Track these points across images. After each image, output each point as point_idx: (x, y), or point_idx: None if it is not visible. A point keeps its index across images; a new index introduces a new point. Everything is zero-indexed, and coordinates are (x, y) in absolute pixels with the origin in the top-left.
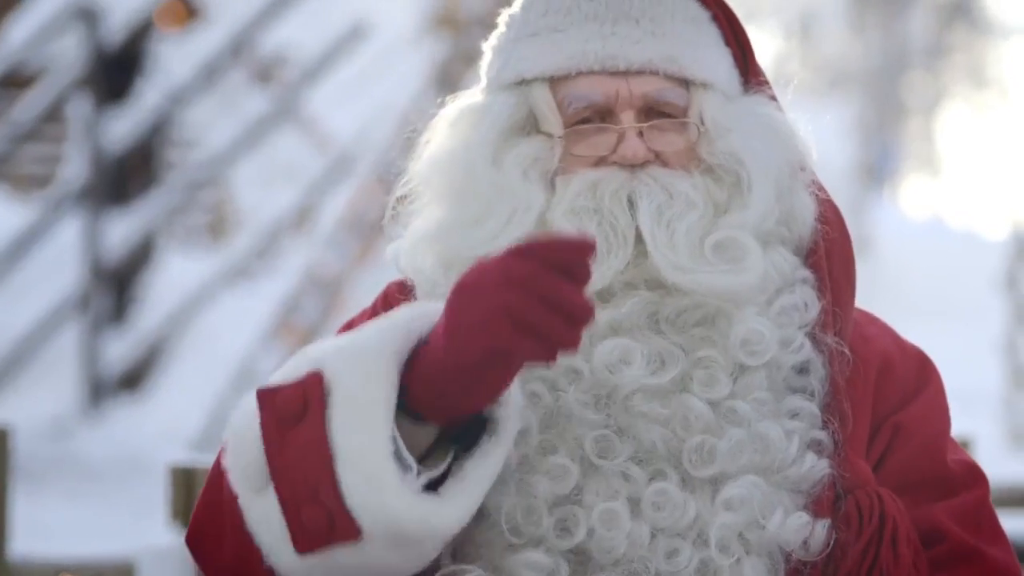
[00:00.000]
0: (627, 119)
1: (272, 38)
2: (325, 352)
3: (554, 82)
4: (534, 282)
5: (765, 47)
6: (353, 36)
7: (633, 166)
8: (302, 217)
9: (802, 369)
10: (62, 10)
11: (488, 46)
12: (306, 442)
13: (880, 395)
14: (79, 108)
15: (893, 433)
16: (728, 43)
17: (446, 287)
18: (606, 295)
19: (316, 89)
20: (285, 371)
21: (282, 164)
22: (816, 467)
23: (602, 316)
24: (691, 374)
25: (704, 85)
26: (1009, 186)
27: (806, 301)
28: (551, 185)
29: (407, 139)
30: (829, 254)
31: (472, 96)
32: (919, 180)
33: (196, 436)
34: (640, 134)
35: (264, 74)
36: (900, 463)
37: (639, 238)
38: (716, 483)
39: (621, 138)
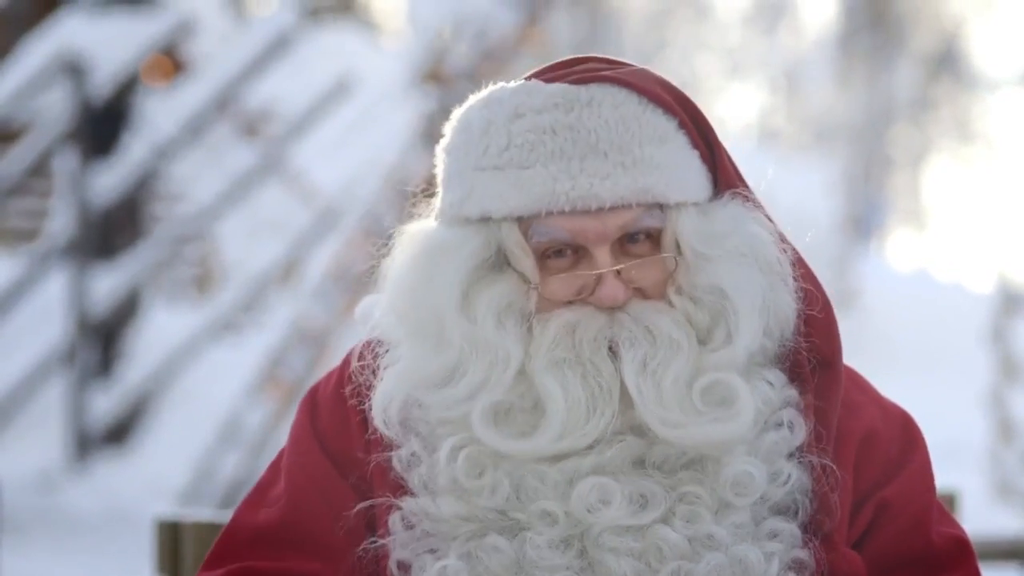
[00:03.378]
0: (602, 255)
1: (258, 92)
2: None
3: (523, 218)
4: None
5: (751, 101)
6: (339, 90)
7: (611, 307)
8: (288, 271)
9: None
10: (49, 64)
11: (442, 163)
12: None
13: (863, 470)
14: (65, 162)
15: (878, 510)
16: (696, 145)
17: (403, 426)
18: (591, 444)
19: (302, 143)
20: None
21: (268, 218)
22: None
23: (585, 462)
24: (673, 509)
25: (679, 205)
26: (995, 239)
27: (792, 425)
28: (527, 329)
29: (393, 193)
30: (810, 332)
31: (430, 223)
32: (905, 233)
33: (182, 490)
34: (618, 273)
35: (250, 128)
36: (886, 542)
37: (624, 388)
38: None
39: (599, 280)
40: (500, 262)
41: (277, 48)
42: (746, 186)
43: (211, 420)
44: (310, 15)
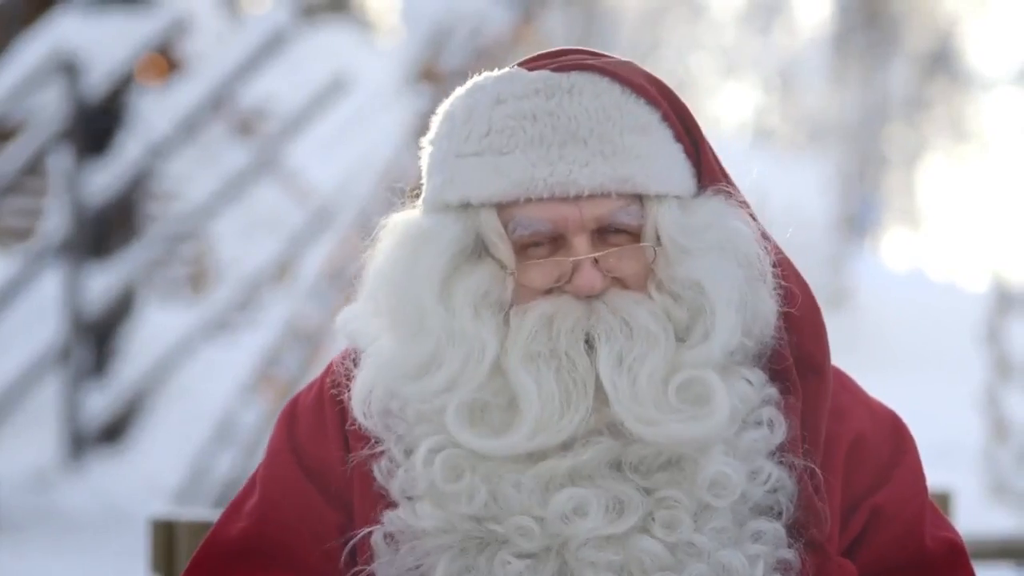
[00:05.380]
0: (580, 244)
1: (253, 91)
2: None
3: (502, 205)
4: None
5: (745, 100)
6: (333, 89)
7: (589, 296)
8: (283, 269)
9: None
10: (43, 63)
11: (426, 153)
12: None
13: (853, 475)
14: (60, 161)
15: (870, 516)
16: (679, 138)
17: (383, 415)
18: (568, 443)
19: (296, 142)
20: None
21: (263, 217)
22: None
23: (562, 465)
24: (653, 515)
25: (659, 197)
26: (990, 238)
27: (772, 423)
28: (504, 319)
29: (388, 192)
30: (796, 335)
31: (414, 210)
32: (900, 232)
33: (177, 488)
34: (595, 262)
35: (245, 127)
36: (879, 548)
37: (599, 384)
38: None
39: (576, 268)
40: (479, 250)
41: (271, 47)
42: (731, 183)
43: (205, 419)
44: (304, 14)
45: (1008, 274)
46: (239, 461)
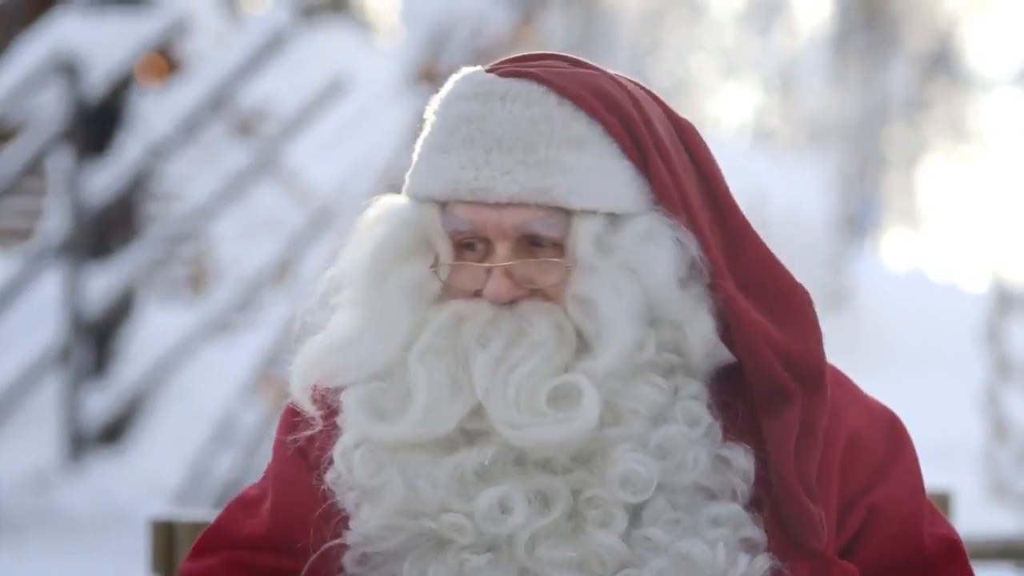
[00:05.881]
0: (501, 251)
1: (253, 92)
2: None
3: (442, 202)
4: None
5: (745, 101)
6: (333, 90)
7: (501, 304)
8: (283, 270)
9: (715, 470)
10: (43, 64)
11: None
12: None
13: (848, 474)
14: (60, 162)
15: (868, 515)
16: (628, 154)
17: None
18: (471, 438)
19: (296, 142)
20: None
21: (263, 217)
22: (753, 566)
23: (468, 461)
24: (583, 513)
25: (585, 212)
26: (990, 238)
27: (693, 418)
28: (425, 315)
29: (388, 192)
30: (791, 356)
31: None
32: (900, 233)
33: (177, 489)
34: (510, 272)
35: (245, 127)
36: (877, 547)
37: None
38: None
39: (489, 275)
40: (428, 246)
41: (271, 48)
42: (687, 201)
43: (206, 420)
44: (304, 14)
45: (1008, 274)
46: (239, 462)
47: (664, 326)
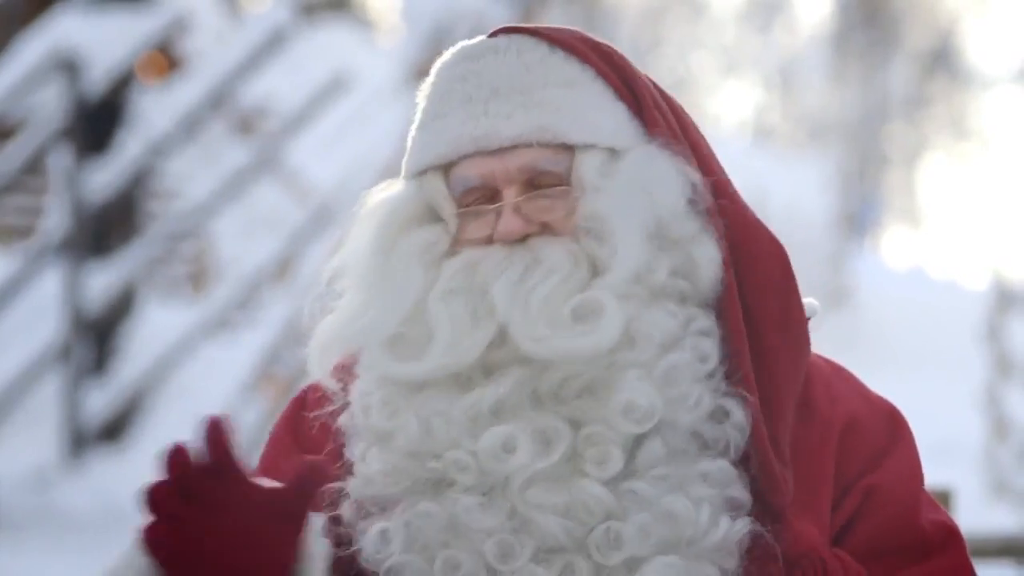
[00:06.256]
0: (509, 195)
1: (253, 90)
2: None
3: (446, 169)
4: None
5: (746, 99)
6: (334, 88)
7: (513, 243)
8: (283, 268)
9: (713, 418)
10: (43, 61)
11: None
12: None
13: (846, 456)
14: (60, 159)
15: (864, 497)
16: (621, 96)
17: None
18: (488, 371)
19: (297, 140)
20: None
21: (263, 215)
22: (733, 529)
23: (487, 395)
24: (582, 453)
25: (587, 146)
26: (990, 236)
27: (703, 354)
28: (438, 269)
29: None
30: (749, 280)
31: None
32: (900, 230)
33: None
34: (519, 208)
35: (245, 125)
36: (874, 529)
37: None
38: (630, 568)
39: (499, 215)
40: (433, 216)
41: (272, 45)
42: (681, 140)
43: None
44: (305, 12)
45: (1008, 272)
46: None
47: (674, 250)
